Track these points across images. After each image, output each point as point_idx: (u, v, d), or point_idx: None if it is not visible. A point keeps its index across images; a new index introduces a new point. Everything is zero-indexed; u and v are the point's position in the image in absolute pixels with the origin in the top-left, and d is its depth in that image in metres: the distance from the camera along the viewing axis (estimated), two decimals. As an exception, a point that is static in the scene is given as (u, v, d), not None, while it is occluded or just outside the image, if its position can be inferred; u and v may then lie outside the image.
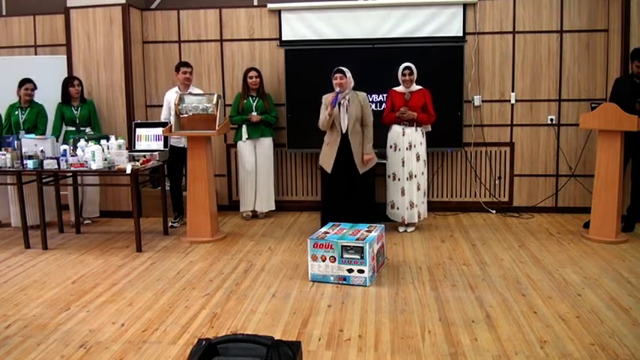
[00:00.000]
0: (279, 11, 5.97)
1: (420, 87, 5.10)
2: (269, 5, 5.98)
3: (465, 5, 5.78)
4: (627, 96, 4.85)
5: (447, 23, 5.80)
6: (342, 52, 5.79)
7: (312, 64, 5.78)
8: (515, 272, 4.01)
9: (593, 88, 5.75)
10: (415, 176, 5.09)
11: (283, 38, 6.00)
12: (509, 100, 5.87)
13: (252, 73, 5.60)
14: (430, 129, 5.23)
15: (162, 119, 5.53)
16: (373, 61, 5.75)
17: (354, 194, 4.83)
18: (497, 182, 6.01)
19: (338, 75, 4.70)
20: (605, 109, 4.62)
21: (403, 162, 5.06)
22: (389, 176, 5.19)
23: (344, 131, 4.75)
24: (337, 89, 4.70)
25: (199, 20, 6.11)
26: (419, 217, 5.17)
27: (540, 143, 5.90)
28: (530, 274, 3.97)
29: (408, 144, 5.06)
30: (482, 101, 5.89)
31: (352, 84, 4.80)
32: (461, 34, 5.81)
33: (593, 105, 5.41)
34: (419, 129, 5.09)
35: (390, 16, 5.84)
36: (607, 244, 4.64)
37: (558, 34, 5.74)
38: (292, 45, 5.94)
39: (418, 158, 5.08)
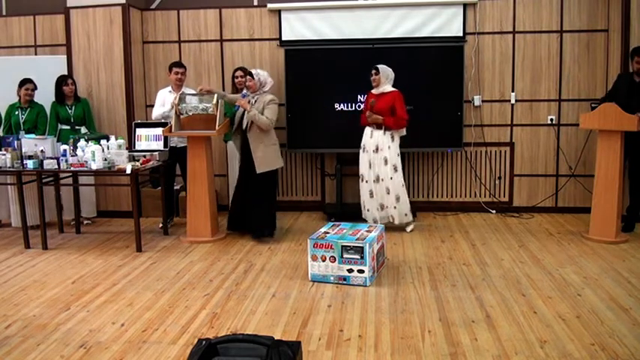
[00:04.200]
0: (279, 11, 5.97)
1: (392, 89, 5.01)
2: (269, 5, 5.98)
3: (465, 5, 5.78)
4: (624, 94, 4.85)
5: (446, 23, 5.80)
6: (342, 52, 5.79)
7: (312, 64, 5.79)
8: (515, 272, 4.01)
9: (593, 88, 5.75)
10: (382, 180, 5.00)
11: (283, 38, 6.00)
12: (509, 100, 5.87)
13: (238, 73, 5.58)
14: (405, 133, 5.08)
15: (154, 118, 5.43)
16: (373, 61, 5.72)
17: (253, 196, 4.87)
18: (497, 182, 6.01)
19: (248, 77, 4.87)
20: (605, 109, 4.62)
21: (370, 164, 5.04)
22: (360, 178, 5.17)
23: (244, 128, 4.85)
24: (244, 91, 4.91)
25: (199, 20, 6.11)
26: (393, 220, 5.06)
27: (540, 143, 5.90)
28: (530, 274, 3.97)
29: (375, 147, 5.00)
30: (483, 101, 5.89)
31: (266, 86, 4.87)
32: (461, 34, 5.80)
33: (593, 105, 5.41)
34: (387, 132, 4.98)
35: (390, 16, 5.84)
36: (607, 244, 4.64)
37: (558, 34, 5.74)
38: (292, 45, 5.94)
39: (386, 162, 4.98)
